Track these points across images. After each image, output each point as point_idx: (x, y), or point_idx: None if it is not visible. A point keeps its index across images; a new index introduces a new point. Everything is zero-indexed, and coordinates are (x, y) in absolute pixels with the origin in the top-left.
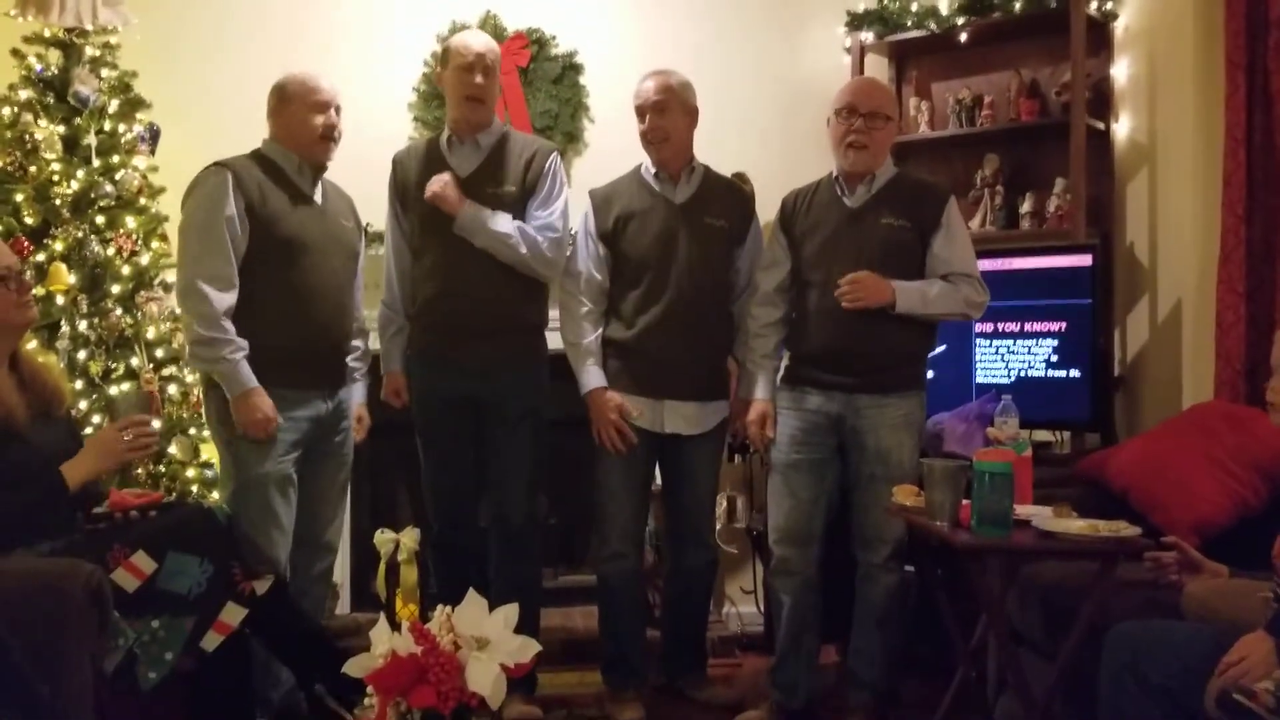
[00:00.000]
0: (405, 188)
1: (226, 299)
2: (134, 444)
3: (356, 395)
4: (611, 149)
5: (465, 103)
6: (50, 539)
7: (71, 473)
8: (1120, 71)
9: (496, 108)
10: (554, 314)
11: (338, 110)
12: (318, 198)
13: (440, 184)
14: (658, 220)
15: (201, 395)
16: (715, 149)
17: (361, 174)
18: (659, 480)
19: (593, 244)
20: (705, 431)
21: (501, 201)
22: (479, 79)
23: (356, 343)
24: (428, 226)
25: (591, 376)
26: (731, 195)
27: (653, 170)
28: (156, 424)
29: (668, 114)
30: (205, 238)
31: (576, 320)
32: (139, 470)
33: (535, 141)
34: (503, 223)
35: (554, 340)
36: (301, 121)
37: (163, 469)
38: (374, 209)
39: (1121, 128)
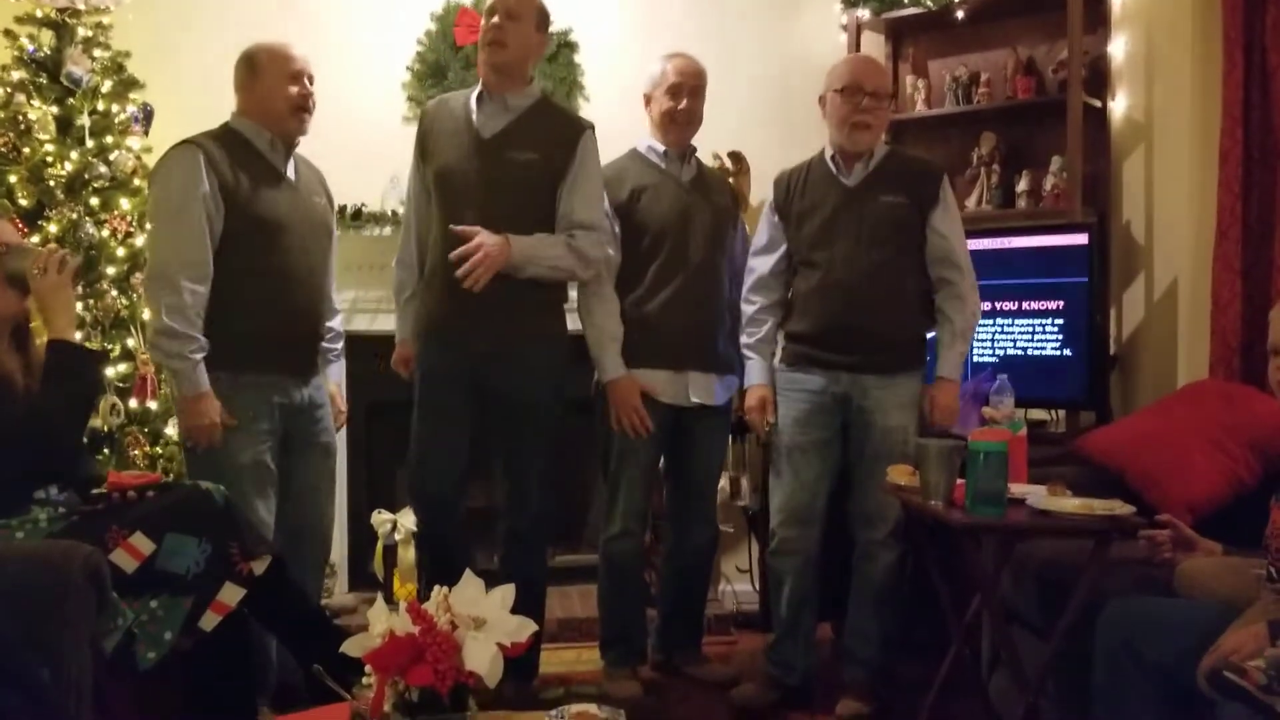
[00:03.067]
0: (426, 136)
1: (200, 290)
2: (55, 267)
3: (333, 376)
4: (606, 128)
5: (486, 48)
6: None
7: (55, 331)
8: (1117, 49)
9: None
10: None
11: (310, 80)
12: (290, 174)
13: (477, 247)
14: (670, 193)
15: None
16: (710, 127)
17: (353, 155)
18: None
19: (608, 220)
20: (718, 407)
21: (526, 168)
22: (497, 19)
23: (331, 324)
24: (442, 185)
25: (616, 363)
26: (724, 183)
27: (661, 149)
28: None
29: (699, 98)
30: (179, 221)
31: (604, 302)
32: (135, 452)
33: (572, 117)
34: (551, 247)
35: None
36: (275, 93)
37: (159, 450)
38: (367, 190)
39: (1118, 105)
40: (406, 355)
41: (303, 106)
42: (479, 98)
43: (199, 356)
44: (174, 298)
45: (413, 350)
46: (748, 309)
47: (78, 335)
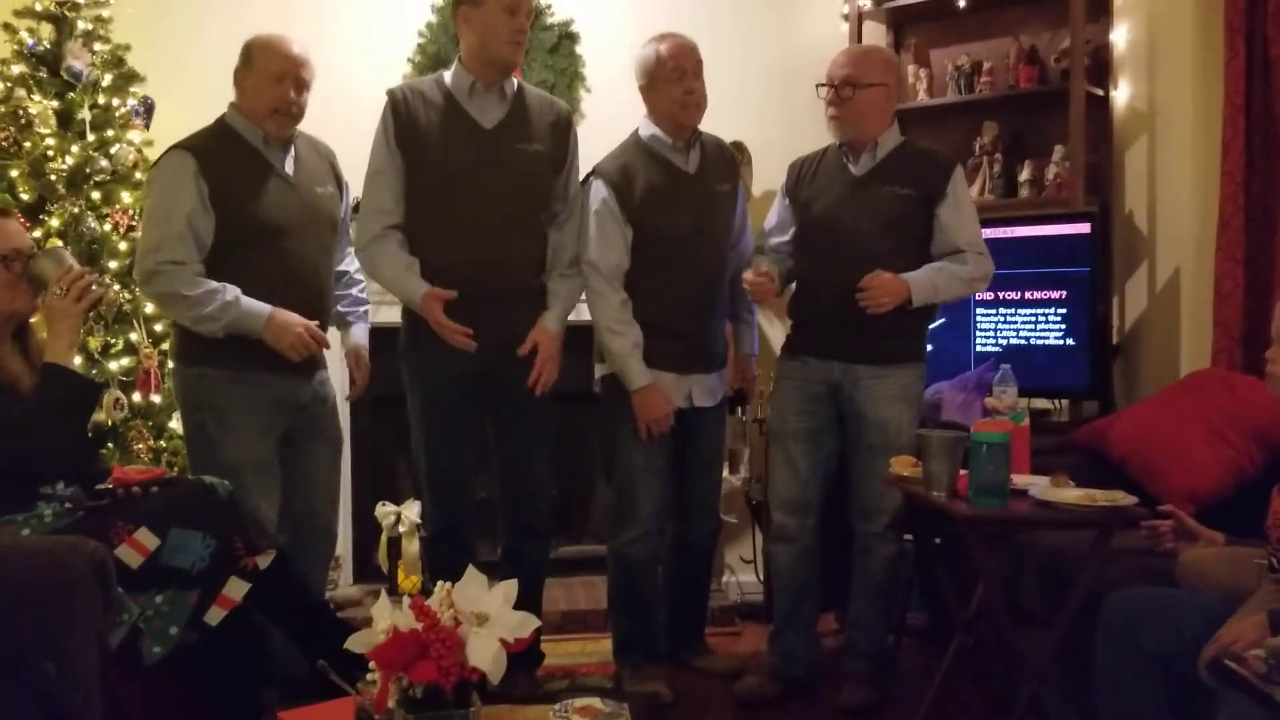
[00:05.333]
0: (415, 134)
1: (197, 267)
2: (76, 294)
3: (355, 335)
4: (609, 119)
5: (508, 46)
6: (62, 474)
7: (53, 354)
8: (1120, 38)
9: None
10: None
11: (301, 86)
12: (289, 169)
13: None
14: (680, 196)
15: (173, 376)
16: (712, 118)
17: (354, 147)
18: None
19: (618, 227)
20: (717, 402)
21: (532, 159)
22: (524, 21)
23: (350, 290)
24: (447, 183)
25: (642, 373)
26: (725, 155)
27: (668, 140)
28: (73, 263)
29: (701, 76)
30: (166, 226)
31: (616, 311)
32: (139, 446)
33: (553, 100)
34: (567, 301)
35: None
36: (257, 91)
37: (164, 444)
38: None
39: (1121, 95)
40: (438, 294)
41: (282, 110)
42: (470, 88)
43: (234, 294)
44: (176, 279)
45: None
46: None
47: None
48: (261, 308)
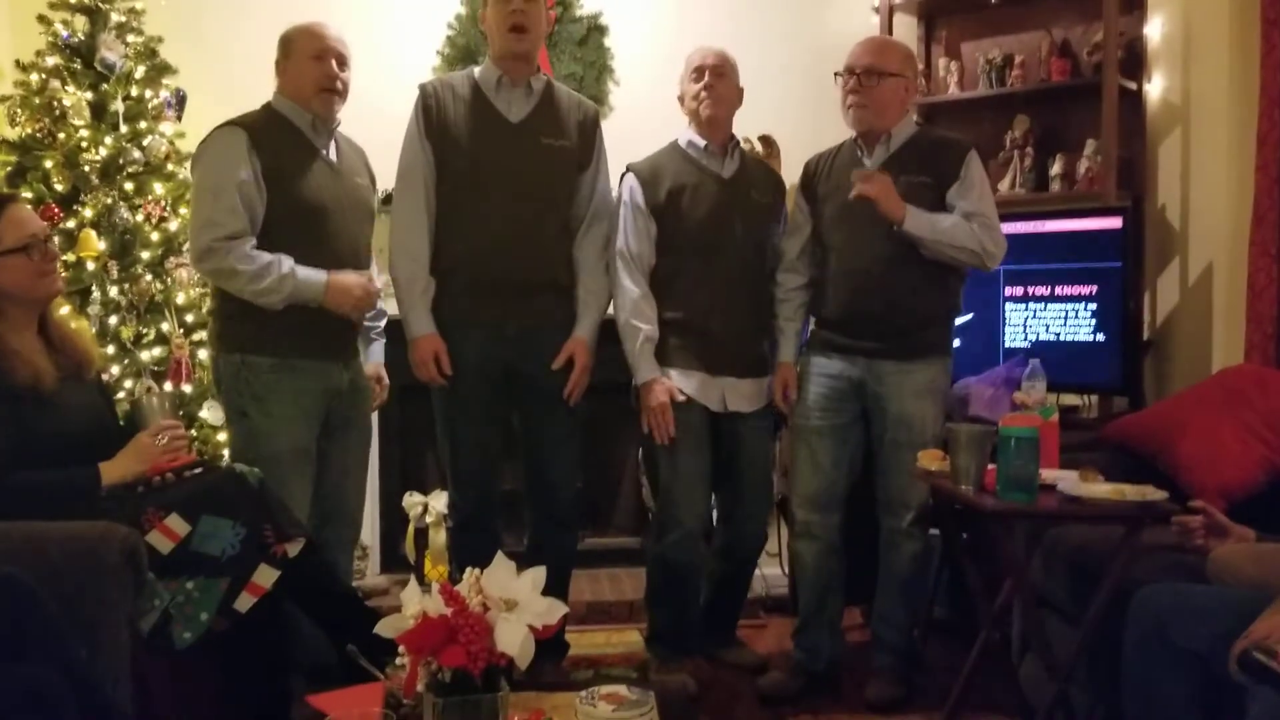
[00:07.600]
0: (437, 120)
1: (250, 240)
2: (169, 447)
3: (375, 355)
4: (637, 112)
5: (509, 34)
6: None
7: (108, 472)
8: (1154, 30)
9: None
10: None
11: (342, 62)
12: (333, 155)
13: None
14: (710, 194)
15: (211, 363)
16: (742, 111)
17: (385, 138)
18: None
19: (642, 219)
20: (760, 409)
21: (558, 154)
22: (520, 3)
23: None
24: (474, 175)
25: (650, 366)
26: (768, 173)
27: (701, 143)
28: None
29: (725, 80)
30: (218, 200)
31: (636, 303)
32: None
33: (581, 99)
34: (598, 308)
35: None
36: (302, 72)
37: (195, 433)
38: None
39: (1154, 88)
40: (437, 348)
41: (328, 88)
42: (498, 82)
43: (289, 266)
44: (231, 254)
45: (442, 344)
46: (776, 290)
47: (112, 319)
48: (318, 274)
